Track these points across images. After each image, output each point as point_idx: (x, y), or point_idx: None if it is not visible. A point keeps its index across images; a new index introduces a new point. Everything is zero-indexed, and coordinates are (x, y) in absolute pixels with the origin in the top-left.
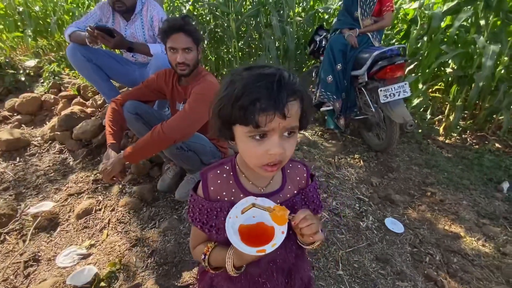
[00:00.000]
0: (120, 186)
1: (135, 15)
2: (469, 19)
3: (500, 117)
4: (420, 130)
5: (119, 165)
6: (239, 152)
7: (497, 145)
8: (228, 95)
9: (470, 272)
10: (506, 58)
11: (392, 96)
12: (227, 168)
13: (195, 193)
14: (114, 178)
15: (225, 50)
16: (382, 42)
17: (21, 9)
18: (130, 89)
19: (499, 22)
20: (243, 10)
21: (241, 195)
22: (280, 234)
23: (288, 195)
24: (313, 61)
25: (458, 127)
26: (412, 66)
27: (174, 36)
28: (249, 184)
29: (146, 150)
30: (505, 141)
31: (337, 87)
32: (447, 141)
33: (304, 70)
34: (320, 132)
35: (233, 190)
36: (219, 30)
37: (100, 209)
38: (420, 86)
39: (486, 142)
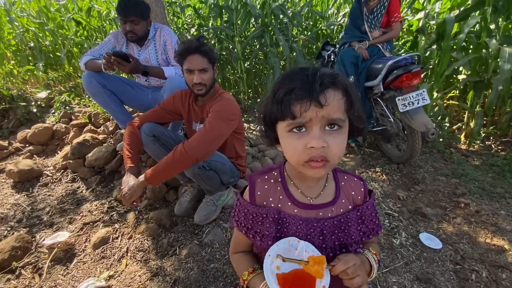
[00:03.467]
0: (136, 212)
1: (148, 41)
2: (478, 24)
3: None
4: (441, 139)
5: (140, 189)
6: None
7: None
8: (269, 94)
9: None
10: None
11: (411, 105)
12: (276, 174)
13: (242, 197)
14: (134, 203)
15: (232, 72)
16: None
17: (32, 44)
18: (146, 112)
19: (510, 25)
20: (246, 32)
21: (289, 203)
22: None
23: (342, 210)
24: None
25: (480, 134)
26: (422, 75)
27: (190, 57)
28: (297, 193)
29: (168, 170)
30: None
31: None
32: (470, 148)
33: None
34: None
35: (281, 197)
36: (224, 53)
37: (117, 237)
38: (435, 94)
39: None
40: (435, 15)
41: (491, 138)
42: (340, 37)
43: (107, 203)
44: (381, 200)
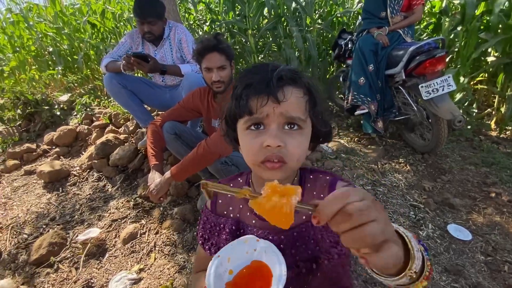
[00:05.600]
0: (161, 208)
1: (164, 40)
2: (507, 2)
3: None
4: (469, 126)
5: (166, 185)
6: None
7: None
8: (232, 96)
9: None
10: None
11: (436, 92)
12: (241, 181)
13: (205, 205)
14: (161, 198)
15: (245, 65)
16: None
17: (51, 48)
18: (167, 111)
19: None
20: (260, 24)
21: (248, 213)
22: (278, 278)
23: (304, 217)
24: (336, 67)
25: None
26: (447, 60)
27: (209, 56)
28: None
29: (193, 167)
30: None
31: (371, 89)
32: (502, 135)
33: (328, 76)
34: (356, 138)
35: (241, 206)
36: (238, 47)
37: (144, 233)
38: (462, 79)
39: None
40: None
41: None
42: (357, 24)
43: (133, 200)
44: (405, 192)
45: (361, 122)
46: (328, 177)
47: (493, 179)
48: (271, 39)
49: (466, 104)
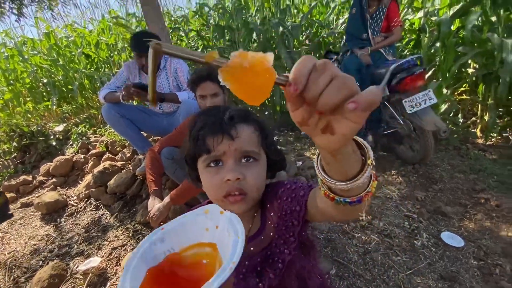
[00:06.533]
0: None
1: (160, 70)
2: (479, 18)
3: None
4: (455, 136)
5: (166, 210)
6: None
7: None
8: (188, 139)
9: None
10: None
11: (419, 106)
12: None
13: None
14: (161, 223)
15: None
16: (396, 55)
17: (45, 80)
18: (164, 137)
19: (511, 16)
20: (250, 48)
21: None
22: (228, 265)
23: (271, 233)
24: None
25: (496, 126)
26: (430, 73)
27: (202, 85)
28: None
29: (191, 190)
30: None
31: None
32: (487, 142)
33: None
34: None
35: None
36: None
37: None
38: (444, 91)
39: None
40: (435, 11)
41: (508, 129)
42: (342, 44)
43: (132, 227)
44: (399, 203)
45: None
46: (277, 184)
47: (482, 185)
48: None
49: (451, 114)
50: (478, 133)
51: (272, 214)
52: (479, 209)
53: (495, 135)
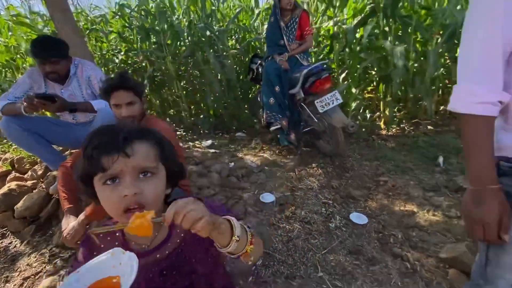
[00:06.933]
0: None
1: (70, 78)
2: (376, 28)
3: (425, 104)
4: (364, 129)
5: (82, 227)
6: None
7: (429, 127)
8: (82, 158)
9: (427, 241)
10: (413, 55)
11: (328, 105)
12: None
13: (77, 260)
14: (78, 242)
15: (169, 92)
16: (312, 59)
17: None
18: (78, 149)
19: (400, 27)
20: (178, 51)
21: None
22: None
23: (178, 240)
24: (257, 87)
25: (395, 119)
26: (344, 75)
27: (115, 94)
28: (132, 244)
29: None
30: (435, 122)
31: (280, 107)
32: (389, 133)
33: (250, 96)
34: (277, 151)
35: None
36: (158, 74)
37: None
38: (354, 90)
39: (421, 127)
40: (344, 20)
41: (404, 121)
42: (266, 49)
43: (48, 251)
44: (318, 192)
45: (278, 136)
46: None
47: (382, 170)
48: (191, 64)
49: (361, 110)
50: (382, 126)
51: None
52: (380, 190)
53: (394, 126)
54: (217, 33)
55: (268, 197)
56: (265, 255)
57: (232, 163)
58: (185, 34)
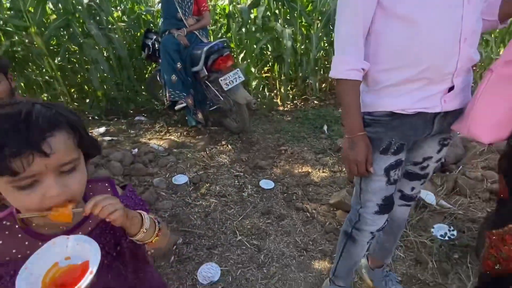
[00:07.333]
0: None
1: None
2: (268, 10)
3: (311, 82)
4: (264, 106)
5: None
6: None
7: (315, 102)
8: None
9: (320, 193)
10: (300, 38)
11: (232, 83)
12: (8, 223)
13: None
14: None
15: (37, 72)
16: (211, 38)
17: None
18: None
19: (288, 11)
20: (47, 22)
21: (40, 243)
22: (94, 260)
23: (96, 222)
24: (154, 65)
25: (288, 96)
26: (243, 54)
27: None
28: (44, 230)
29: None
30: (319, 98)
31: (184, 84)
32: (285, 109)
33: (146, 76)
34: (185, 133)
35: (27, 243)
36: (19, 49)
37: None
38: (253, 70)
39: (309, 102)
40: (239, 0)
41: (296, 98)
42: (160, 24)
43: None
44: (230, 167)
45: (186, 118)
46: (106, 184)
47: (283, 141)
48: (66, 38)
49: (260, 89)
50: (279, 102)
51: None
52: (282, 158)
53: (289, 103)
54: (97, 1)
55: (180, 179)
56: (184, 233)
57: (135, 149)
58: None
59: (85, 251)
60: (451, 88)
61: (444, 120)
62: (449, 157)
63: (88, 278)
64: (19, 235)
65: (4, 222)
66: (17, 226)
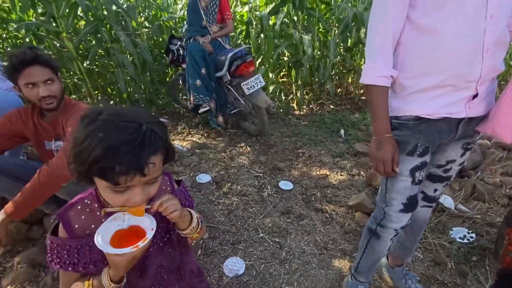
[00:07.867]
0: None
1: None
2: (286, 17)
3: (327, 87)
4: (281, 110)
5: (3, 227)
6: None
7: (331, 106)
8: (85, 154)
9: (338, 195)
10: (317, 44)
11: (253, 88)
12: (89, 202)
13: (56, 237)
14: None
15: (67, 74)
16: (231, 44)
17: None
18: None
19: (306, 17)
20: (76, 27)
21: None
22: (150, 231)
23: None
24: (174, 70)
25: (304, 100)
26: (260, 60)
27: (28, 70)
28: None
29: (36, 198)
30: (335, 103)
31: (207, 89)
32: (301, 113)
33: (168, 80)
34: (206, 134)
35: (103, 220)
36: (50, 52)
37: None
38: (270, 75)
39: (325, 106)
40: (257, 7)
41: (312, 102)
42: (184, 30)
43: None
44: (249, 168)
45: (208, 119)
46: (166, 177)
47: (300, 144)
48: (95, 43)
49: (277, 93)
50: (295, 107)
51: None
52: (300, 160)
53: (305, 107)
54: (125, 7)
55: (204, 178)
56: (210, 228)
57: None
58: (86, 7)
59: (141, 220)
60: (475, 96)
61: (468, 126)
62: (467, 162)
63: (150, 234)
64: (98, 213)
65: (85, 201)
66: (96, 205)
